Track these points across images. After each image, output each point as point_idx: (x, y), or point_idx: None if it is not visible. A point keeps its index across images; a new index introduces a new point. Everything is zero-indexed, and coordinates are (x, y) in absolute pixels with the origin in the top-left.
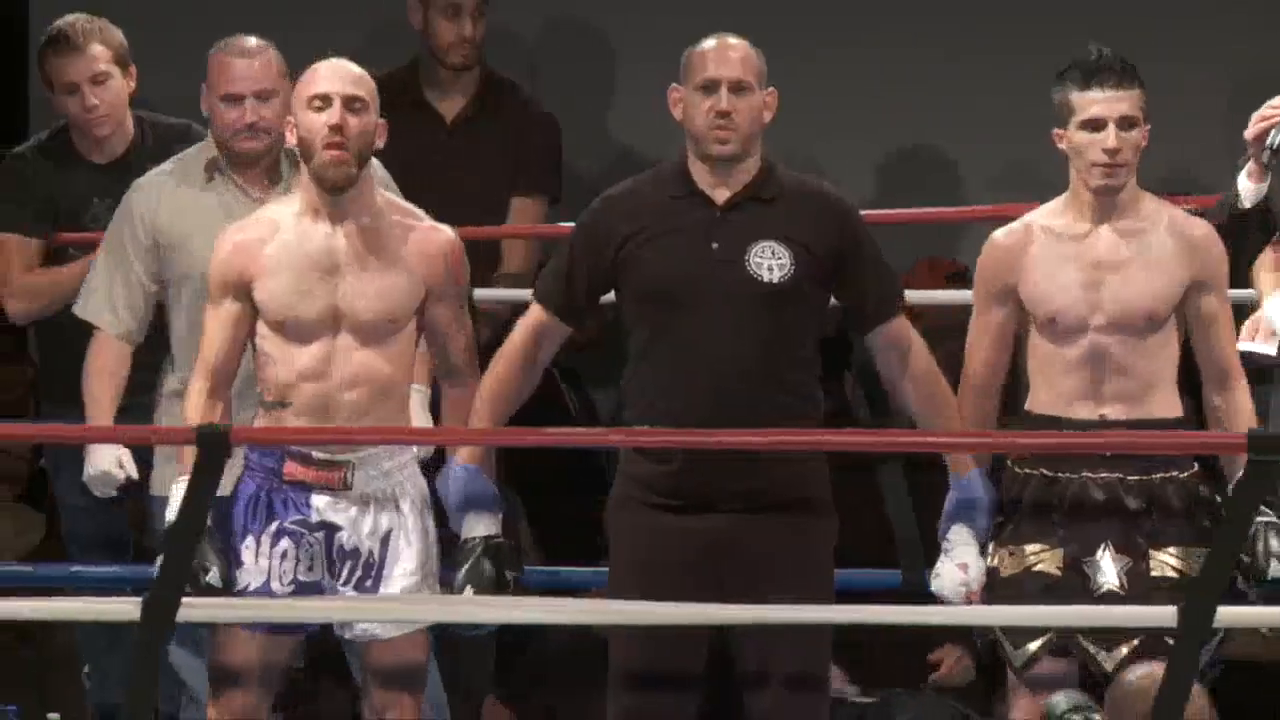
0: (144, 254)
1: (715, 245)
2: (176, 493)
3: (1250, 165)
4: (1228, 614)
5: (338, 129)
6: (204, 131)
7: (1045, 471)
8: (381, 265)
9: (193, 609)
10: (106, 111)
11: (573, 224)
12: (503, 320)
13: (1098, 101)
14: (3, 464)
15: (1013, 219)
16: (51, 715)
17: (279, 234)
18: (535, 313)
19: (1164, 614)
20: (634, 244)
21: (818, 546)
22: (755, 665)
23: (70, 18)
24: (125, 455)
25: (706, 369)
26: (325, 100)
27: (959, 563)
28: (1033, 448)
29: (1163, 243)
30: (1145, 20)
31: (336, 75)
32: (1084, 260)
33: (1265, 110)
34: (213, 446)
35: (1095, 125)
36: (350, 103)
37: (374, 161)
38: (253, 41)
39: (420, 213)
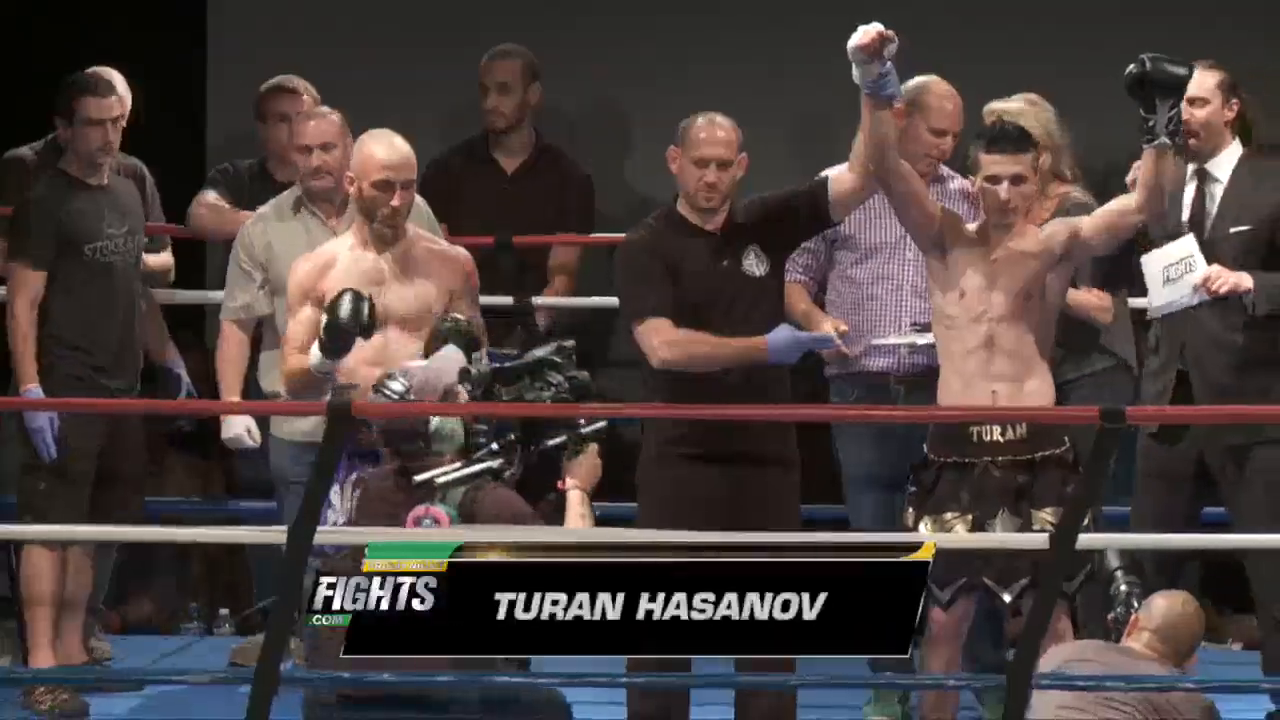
0: (256, 270)
1: (725, 262)
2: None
3: None
4: (1086, 539)
5: (401, 207)
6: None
7: (958, 459)
8: (414, 277)
9: (322, 534)
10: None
11: (607, 234)
12: (553, 318)
13: (995, 163)
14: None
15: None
16: (222, 610)
17: (339, 260)
18: (649, 325)
19: (1039, 539)
20: (670, 271)
21: (796, 490)
22: None
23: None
24: (252, 425)
25: None
26: (389, 185)
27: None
28: (946, 418)
29: (1031, 239)
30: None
31: (399, 163)
32: (986, 259)
33: None
34: (339, 418)
35: (993, 180)
36: (407, 184)
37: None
38: (323, 108)
39: (440, 239)
